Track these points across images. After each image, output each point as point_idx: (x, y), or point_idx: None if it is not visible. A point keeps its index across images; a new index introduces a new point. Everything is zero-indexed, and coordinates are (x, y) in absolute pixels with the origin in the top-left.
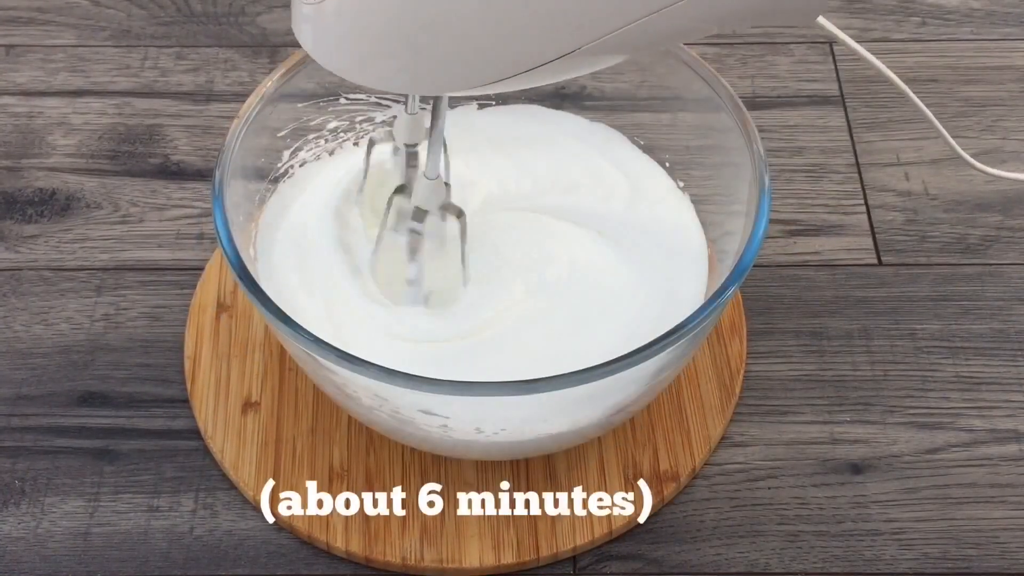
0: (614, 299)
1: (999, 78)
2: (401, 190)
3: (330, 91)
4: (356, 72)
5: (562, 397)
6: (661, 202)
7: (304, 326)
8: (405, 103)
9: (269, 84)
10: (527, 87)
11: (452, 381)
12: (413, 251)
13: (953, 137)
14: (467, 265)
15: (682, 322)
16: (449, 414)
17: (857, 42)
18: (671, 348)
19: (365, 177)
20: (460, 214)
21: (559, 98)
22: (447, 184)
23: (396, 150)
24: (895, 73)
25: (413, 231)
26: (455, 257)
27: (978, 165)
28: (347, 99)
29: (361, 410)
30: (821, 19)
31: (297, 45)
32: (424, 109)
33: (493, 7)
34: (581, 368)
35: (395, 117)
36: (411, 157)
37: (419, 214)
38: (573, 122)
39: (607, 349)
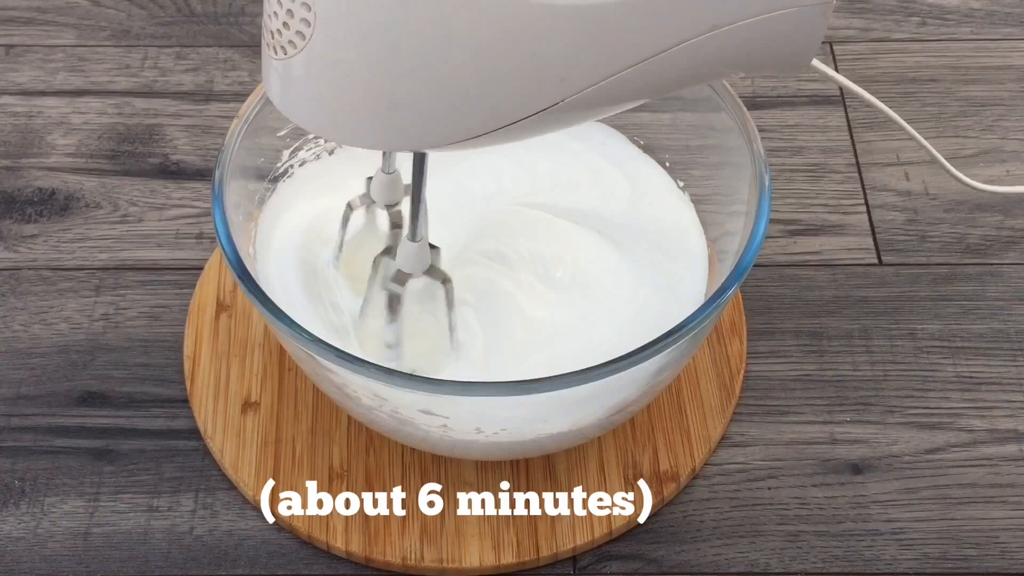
0: (614, 299)
1: (999, 78)
2: (388, 251)
3: None
4: (330, 129)
5: (562, 397)
6: (661, 202)
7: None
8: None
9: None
10: (509, 142)
11: (452, 381)
12: (393, 314)
13: (953, 137)
14: (454, 331)
15: (682, 322)
16: (449, 414)
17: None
18: (671, 348)
19: (341, 248)
20: (446, 280)
21: None
22: (433, 247)
23: (368, 209)
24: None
25: (393, 293)
26: (441, 323)
27: (973, 183)
28: None
29: (361, 410)
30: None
31: None
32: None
33: (472, 58)
34: (581, 368)
35: (370, 178)
36: (394, 216)
37: (400, 277)
38: None
39: (607, 349)
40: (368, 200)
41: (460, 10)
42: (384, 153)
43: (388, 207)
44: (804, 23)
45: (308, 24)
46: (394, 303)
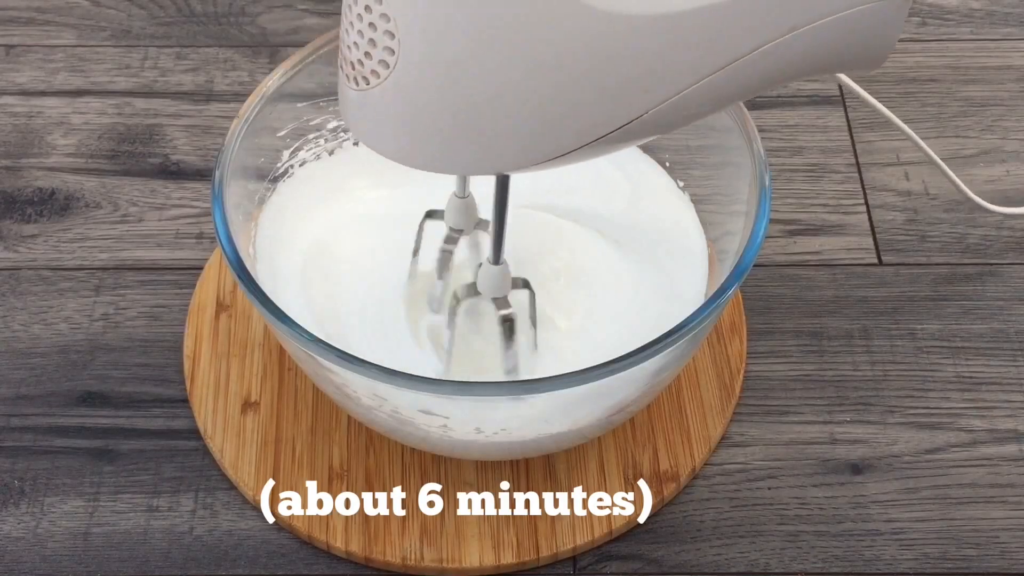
0: (614, 299)
1: (999, 78)
2: (466, 289)
3: (330, 91)
4: (414, 157)
5: (562, 397)
6: (661, 202)
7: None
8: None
9: (269, 84)
10: (591, 158)
11: (452, 381)
12: (508, 338)
13: (953, 137)
14: (512, 359)
15: (682, 322)
16: (449, 414)
17: None
18: (671, 348)
19: (416, 254)
20: (507, 319)
21: None
22: (516, 278)
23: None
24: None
25: (506, 319)
26: (527, 333)
27: (988, 205)
28: None
29: (361, 410)
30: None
31: (298, 45)
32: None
33: (555, 77)
34: (581, 368)
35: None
36: (449, 240)
37: (501, 303)
38: None
39: (607, 349)
40: (449, 230)
41: (543, 32)
42: (459, 177)
43: (452, 230)
44: (883, 17)
45: (392, 53)
46: (507, 328)
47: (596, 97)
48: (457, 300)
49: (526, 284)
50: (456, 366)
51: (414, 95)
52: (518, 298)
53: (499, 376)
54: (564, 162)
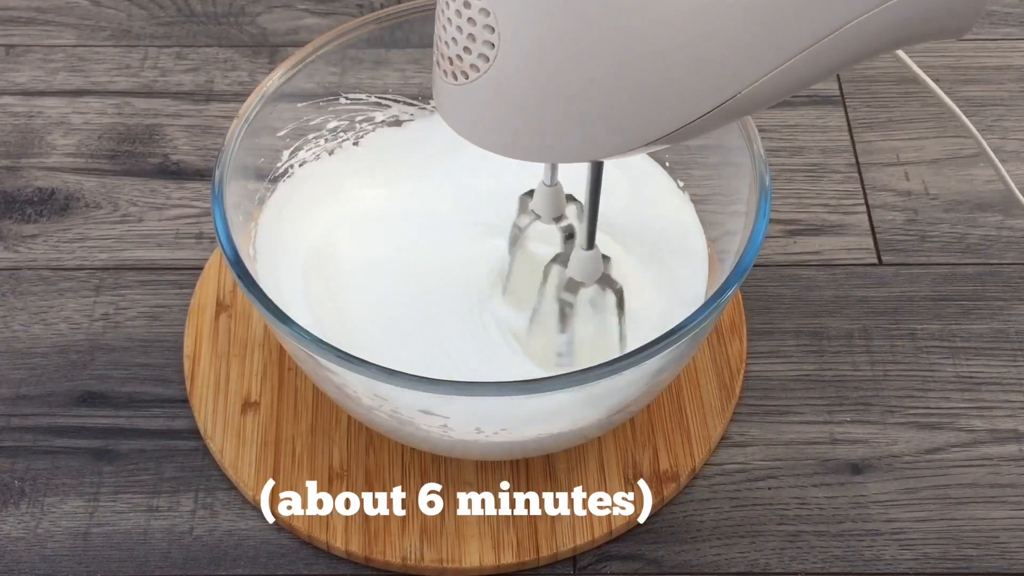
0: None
1: (999, 78)
2: (558, 259)
3: (330, 91)
4: (512, 148)
5: (562, 397)
6: (661, 202)
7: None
8: (544, 176)
9: (269, 84)
10: (683, 141)
11: (452, 381)
12: (564, 323)
13: (953, 137)
14: (624, 341)
15: (682, 322)
16: (449, 414)
17: None
18: (671, 348)
19: (511, 269)
20: (618, 288)
21: None
22: (605, 256)
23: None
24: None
25: (565, 302)
26: (612, 331)
27: None
28: (347, 99)
29: (361, 410)
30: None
31: (298, 45)
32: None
33: (651, 63)
34: (581, 368)
35: (524, 194)
36: (565, 229)
37: (573, 286)
38: None
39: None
40: (533, 216)
41: (639, 18)
42: (548, 165)
43: (555, 220)
44: None
45: (492, 46)
46: (566, 313)
47: (692, 80)
48: (552, 263)
49: (619, 293)
50: (530, 332)
51: (515, 87)
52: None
53: (552, 357)
54: (657, 146)
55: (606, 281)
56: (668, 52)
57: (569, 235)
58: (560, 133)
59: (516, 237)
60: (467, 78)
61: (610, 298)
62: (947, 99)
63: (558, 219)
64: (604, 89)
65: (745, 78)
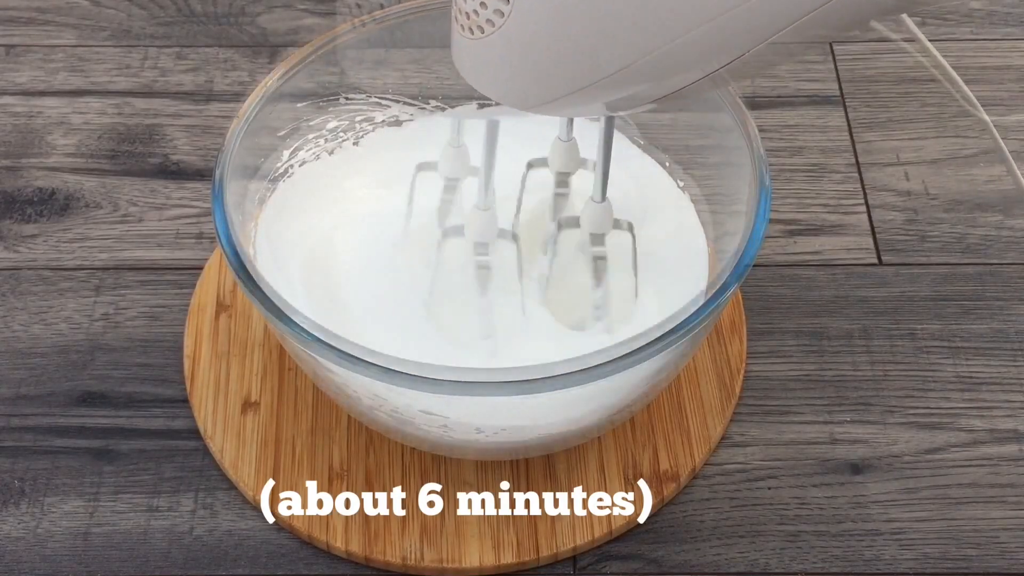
0: (614, 298)
1: (999, 78)
2: (570, 221)
3: (330, 91)
4: (526, 101)
5: (562, 397)
6: (662, 202)
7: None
8: (561, 131)
9: (269, 83)
10: (688, 99)
11: (452, 381)
12: (598, 277)
13: (953, 137)
14: (638, 275)
15: (682, 321)
16: (449, 413)
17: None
18: (671, 348)
19: (518, 211)
20: (629, 224)
21: None
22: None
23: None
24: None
25: (598, 257)
26: (629, 271)
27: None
28: (347, 99)
29: (362, 409)
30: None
31: (298, 45)
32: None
33: (658, 20)
34: (581, 368)
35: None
36: (560, 183)
37: (596, 239)
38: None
39: (607, 349)
40: (544, 163)
41: None
42: (564, 120)
43: (559, 174)
44: None
45: (506, 1)
46: (599, 268)
47: (699, 42)
48: (560, 228)
49: (630, 227)
50: (553, 292)
51: (529, 40)
52: (619, 240)
53: (588, 311)
54: (669, 101)
55: (618, 225)
56: (677, 8)
57: (561, 184)
58: (569, 88)
59: (524, 178)
60: (483, 32)
61: (627, 237)
62: (957, 77)
63: (564, 174)
64: (613, 46)
65: (757, 36)
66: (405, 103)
